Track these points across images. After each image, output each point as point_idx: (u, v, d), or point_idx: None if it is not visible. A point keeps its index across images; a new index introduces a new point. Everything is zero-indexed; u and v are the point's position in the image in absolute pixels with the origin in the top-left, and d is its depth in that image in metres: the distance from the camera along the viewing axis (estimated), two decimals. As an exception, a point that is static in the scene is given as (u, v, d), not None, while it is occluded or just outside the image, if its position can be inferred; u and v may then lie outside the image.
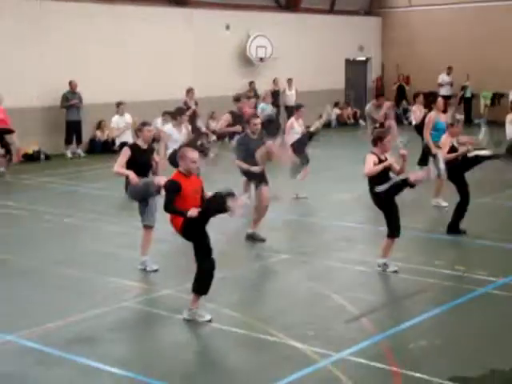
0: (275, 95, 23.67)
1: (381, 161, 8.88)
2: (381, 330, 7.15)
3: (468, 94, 27.03)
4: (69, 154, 19.33)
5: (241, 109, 13.77)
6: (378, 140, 8.92)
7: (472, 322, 7.55)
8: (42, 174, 16.83)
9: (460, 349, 6.84)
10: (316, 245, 10.68)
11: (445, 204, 12.30)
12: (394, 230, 8.90)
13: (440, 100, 13.74)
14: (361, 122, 26.57)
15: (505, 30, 26.38)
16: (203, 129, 16.90)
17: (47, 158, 18.88)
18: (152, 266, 9.04)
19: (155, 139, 11.01)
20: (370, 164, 8.81)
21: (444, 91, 26.54)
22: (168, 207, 7.24)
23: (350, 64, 29.67)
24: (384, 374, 6.18)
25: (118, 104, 15.96)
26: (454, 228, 10.85)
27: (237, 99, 13.94)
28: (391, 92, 28.30)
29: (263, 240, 10.59)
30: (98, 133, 20.16)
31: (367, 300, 8.12)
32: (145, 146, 9.17)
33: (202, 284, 7.36)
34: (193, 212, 7.07)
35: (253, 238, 10.65)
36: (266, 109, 18.41)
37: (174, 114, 12.87)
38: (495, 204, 12.97)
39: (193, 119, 16.81)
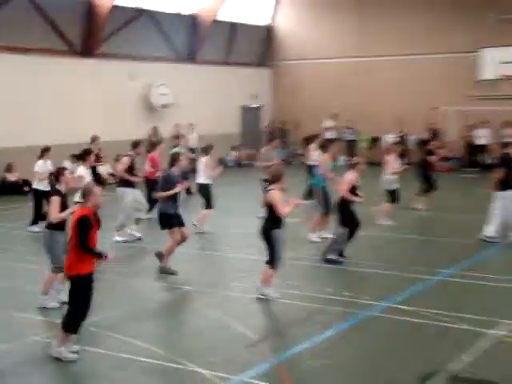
0: (177, 138, 23.52)
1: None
2: (278, 353, 7.09)
3: (350, 138, 27.21)
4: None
5: (138, 153, 13.50)
6: (280, 176, 8.91)
7: (361, 342, 7.60)
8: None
9: (353, 367, 6.88)
10: (217, 276, 10.61)
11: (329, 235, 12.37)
12: (276, 261, 8.90)
13: (334, 145, 13.97)
14: (255, 162, 26.71)
15: (383, 83, 27.07)
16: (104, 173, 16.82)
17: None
18: (51, 304, 8.64)
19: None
20: (280, 202, 8.71)
21: (329, 135, 26.68)
22: (86, 245, 6.86)
23: (245, 110, 29.58)
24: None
25: (43, 150, 14.26)
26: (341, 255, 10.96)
27: (135, 145, 13.60)
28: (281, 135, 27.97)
29: (174, 273, 10.44)
30: (8, 175, 19.38)
31: (264, 326, 8.08)
32: (64, 191, 8.75)
33: (74, 323, 7.02)
34: (111, 253, 6.83)
35: (164, 271, 10.51)
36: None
37: (83, 156, 12.35)
38: (373, 235, 13.14)
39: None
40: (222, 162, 24.50)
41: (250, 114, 29.91)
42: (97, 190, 7.18)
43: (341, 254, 10.99)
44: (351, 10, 27.93)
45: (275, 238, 8.87)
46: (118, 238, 12.63)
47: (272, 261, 8.91)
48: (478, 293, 9.54)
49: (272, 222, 8.85)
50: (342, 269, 10.68)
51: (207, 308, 8.74)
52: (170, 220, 10.67)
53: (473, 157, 25.24)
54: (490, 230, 12.20)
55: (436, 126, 25.12)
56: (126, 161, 13.03)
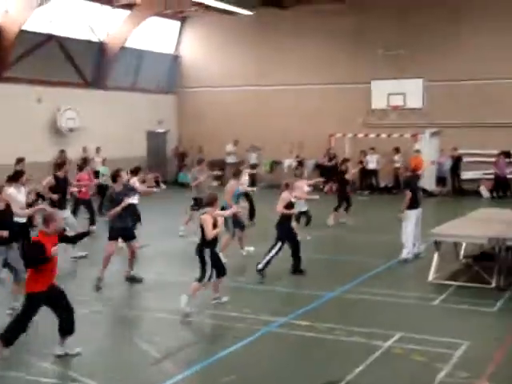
0: (85, 161, 23.22)
1: (214, 219, 9.30)
2: (181, 370, 7.17)
3: (253, 161, 26.74)
4: None
5: (63, 174, 13.47)
6: (214, 201, 9.44)
7: (262, 356, 7.79)
8: None
9: (256, 380, 7.08)
10: (123, 296, 10.72)
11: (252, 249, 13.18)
12: (204, 277, 9.30)
13: (240, 171, 14.52)
14: (162, 185, 26.30)
15: (283, 110, 27.52)
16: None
17: None
18: None
19: None
20: (210, 227, 9.18)
21: (230, 159, 27.28)
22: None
23: (151, 135, 29.46)
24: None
25: None
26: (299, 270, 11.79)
27: (60, 165, 13.66)
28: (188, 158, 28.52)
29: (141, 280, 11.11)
30: None
31: (170, 344, 8.11)
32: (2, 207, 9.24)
33: (13, 336, 7.28)
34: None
35: (133, 279, 11.14)
36: (105, 172, 19.21)
37: (15, 177, 12.21)
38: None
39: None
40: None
41: (155, 139, 29.84)
42: (60, 214, 7.49)
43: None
44: (251, 42, 28.33)
45: (206, 257, 9.29)
46: None
47: (201, 277, 9.31)
48: (371, 307, 9.92)
49: (204, 241, 9.33)
50: (242, 287, 10.94)
51: (113, 327, 8.86)
52: (112, 232, 11.02)
53: (366, 180, 26.17)
54: (405, 251, 12.84)
55: (333, 151, 26.09)
56: (49, 181, 13.10)
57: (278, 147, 26.89)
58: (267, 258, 11.48)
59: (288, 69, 27.52)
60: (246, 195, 16.60)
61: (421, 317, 9.44)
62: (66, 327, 7.54)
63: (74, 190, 15.55)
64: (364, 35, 25.98)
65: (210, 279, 9.43)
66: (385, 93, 25.69)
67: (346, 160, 19.23)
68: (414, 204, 12.72)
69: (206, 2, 23.74)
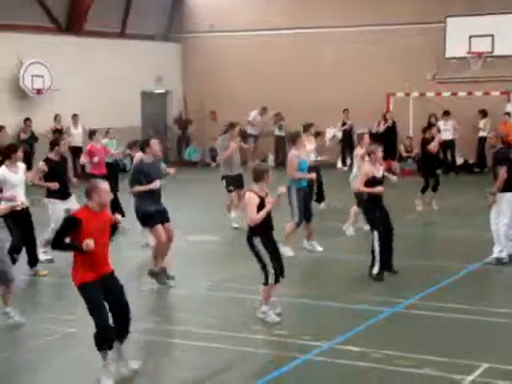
0: (57, 134, 23.96)
1: (261, 199, 9.66)
2: None
3: (279, 133, 29.02)
4: None
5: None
6: (261, 174, 9.78)
7: None
8: None
9: None
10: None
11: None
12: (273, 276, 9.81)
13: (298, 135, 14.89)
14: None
15: (322, 62, 28.88)
16: None
17: None
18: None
19: None
20: (254, 209, 9.61)
21: (253, 130, 28.93)
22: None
23: (147, 97, 31.21)
24: None
25: None
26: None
27: (53, 144, 14.13)
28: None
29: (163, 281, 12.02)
30: None
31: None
32: None
33: (100, 339, 7.95)
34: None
35: (152, 274, 12.00)
36: (111, 145, 19.65)
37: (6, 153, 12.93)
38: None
39: None
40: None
41: (153, 102, 31.62)
42: (104, 184, 8.14)
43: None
44: None
45: (259, 248, 9.83)
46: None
47: (265, 277, 9.81)
48: (448, 328, 10.15)
49: (250, 229, 9.87)
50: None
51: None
52: (150, 218, 11.91)
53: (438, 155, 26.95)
54: (497, 249, 13.01)
55: (391, 116, 27.50)
56: (38, 169, 13.94)
57: (317, 112, 27.55)
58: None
59: (333, 5, 29.01)
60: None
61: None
62: (120, 330, 8.28)
63: (84, 160, 16.93)
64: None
65: (277, 275, 9.90)
66: (465, 35, 26.73)
67: (430, 126, 20.49)
68: (510, 185, 12.75)
69: None
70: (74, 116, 25.53)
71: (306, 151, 15.49)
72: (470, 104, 26.92)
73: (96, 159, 16.80)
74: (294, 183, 14.06)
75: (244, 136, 25.66)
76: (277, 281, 10.06)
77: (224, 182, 16.59)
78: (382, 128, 27.50)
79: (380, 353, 8.97)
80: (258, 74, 29.89)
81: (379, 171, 12.58)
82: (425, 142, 19.02)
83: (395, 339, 9.69)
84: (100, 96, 27.73)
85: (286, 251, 13.54)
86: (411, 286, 12.23)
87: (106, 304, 8.26)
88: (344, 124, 28.03)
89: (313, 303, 11.31)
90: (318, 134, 19.16)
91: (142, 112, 30.78)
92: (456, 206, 20.11)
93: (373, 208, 12.64)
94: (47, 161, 13.78)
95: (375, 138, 27.17)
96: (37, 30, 26.04)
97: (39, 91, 25.08)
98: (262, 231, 9.93)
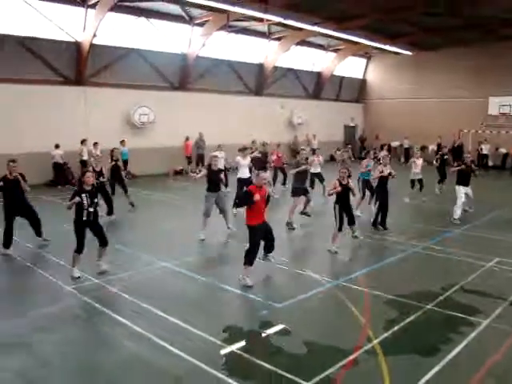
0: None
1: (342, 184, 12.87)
2: None
3: (406, 146, 44.62)
4: None
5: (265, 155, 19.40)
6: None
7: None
8: None
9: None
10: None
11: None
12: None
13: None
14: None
15: (431, 113, 42.60)
16: None
17: None
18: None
19: None
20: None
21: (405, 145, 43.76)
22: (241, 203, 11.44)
23: (347, 128, 47.41)
24: None
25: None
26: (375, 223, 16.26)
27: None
28: (370, 144, 43.68)
29: (294, 227, 15.66)
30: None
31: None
32: None
33: (251, 256, 11.10)
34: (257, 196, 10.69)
35: (289, 225, 15.80)
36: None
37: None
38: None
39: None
40: (332, 157, 39.75)
41: (349, 130, 47.75)
42: (264, 174, 11.25)
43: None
44: (412, 66, 44.79)
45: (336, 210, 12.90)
46: None
47: (338, 225, 12.85)
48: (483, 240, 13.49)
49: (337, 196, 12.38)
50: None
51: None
52: (296, 190, 15.84)
53: (481, 161, 39.90)
54: None
55: (460, 141, 39.91)
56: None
57: (424, 136, 43.42)
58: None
59: (436, 86, 43.83)
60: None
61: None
62: (270, 248, 11.87)
63: (273, 159, 20.69)
64: (484, 70, 41.38)
65: (340, 226, 13.00)
66: (497, 104, 41.08)
67: (458, 147, 29.65)
68: None
69: (383, 47, 40.04)
70: (312, 135, 38.44)
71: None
72: (497, 136, 39.36)
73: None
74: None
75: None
76: (342, 226, 12.66)
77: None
78: (454, 146, 37.88)
79: (448, 250, 11.94)
80: (398, 117, 44.14)
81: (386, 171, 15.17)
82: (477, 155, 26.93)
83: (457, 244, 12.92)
84: (325, 125, 42.65)
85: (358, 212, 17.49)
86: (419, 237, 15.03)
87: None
88: (439, 144, 38.28)
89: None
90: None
91: (344, 133, 46.73)
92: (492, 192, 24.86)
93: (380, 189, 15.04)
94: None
95: (452, 151, 36.71)
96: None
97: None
98: (341, 198, 12.60)
